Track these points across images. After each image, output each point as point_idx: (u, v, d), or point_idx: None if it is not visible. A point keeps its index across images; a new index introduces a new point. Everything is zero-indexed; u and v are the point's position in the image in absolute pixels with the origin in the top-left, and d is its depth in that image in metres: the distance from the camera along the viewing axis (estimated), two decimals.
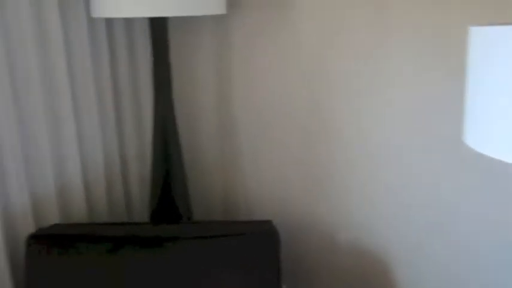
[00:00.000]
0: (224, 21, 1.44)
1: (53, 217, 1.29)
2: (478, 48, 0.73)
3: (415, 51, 1.18)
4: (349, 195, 1.39)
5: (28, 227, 1.23)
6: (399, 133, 1.26)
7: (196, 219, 1.62)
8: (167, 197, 1.35)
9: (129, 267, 1.04)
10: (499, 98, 0.69)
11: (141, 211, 1.61)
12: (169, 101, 1.28)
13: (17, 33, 1.16)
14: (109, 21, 1.41)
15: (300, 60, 1.35)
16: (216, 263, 1.11)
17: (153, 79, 1.27)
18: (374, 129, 1.29)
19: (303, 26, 1.32)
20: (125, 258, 1.04)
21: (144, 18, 1.46)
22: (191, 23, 1.50)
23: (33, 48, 1.18)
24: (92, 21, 1.34)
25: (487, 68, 0.71)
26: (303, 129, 1.41)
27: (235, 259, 1.12)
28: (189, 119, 1.60)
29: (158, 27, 1.23)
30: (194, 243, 1.09)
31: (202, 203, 1.67)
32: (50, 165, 1.26)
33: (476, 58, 0.74)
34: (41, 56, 1.22)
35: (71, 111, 1.29)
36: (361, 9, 1.22)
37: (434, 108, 1.20)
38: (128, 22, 1.46)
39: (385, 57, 1.23)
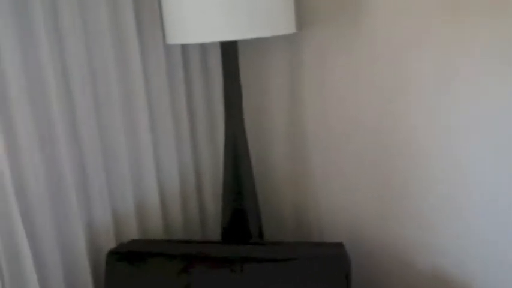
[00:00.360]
0: (294, 39, 1.44)
1: (132, 233, 1.37)
2: None
3: (498, 61, 1.09)
4: (425, 220, 1.30)
5: (109, 242, 1.31)
6: (486, 152, 1.16)
7: (266, 240, 1.61)
8: (238, 214, 1.36)
9: (199, 286, 1.06)
10: None
11: (215, 227, 1.64)
12: (239, 121, 1.30)
13: (100, 60, 1.25)
14: (184, 46, 1.47)
15: (374, 77, 1.31)
16: (286, 286, 1.09)
17: (224, 99, 1.30)
18: (458, 147, 1.21)
19: (375, 41, 1.27)
20: (196, 277, 1.07)
21: (217, 43, 1.51)
22: (261, 43, 1.52)
23: (114, 73, 1.26)
24: (168, 46, 1.41)
25: None
26: (377, 149, 1.35)
27: (305, 283, 1.09)
28: (260, 137, 1.62)
29: (229, 49, 1.26)
30: (264, 266, 1.09)
31: (273, 221, 1.66)
32: (129, 183, 1.33)
33: None
34: (121, 80, 1.30)
35: (149, 132, 1.36)
36: (440, 26, 1.16)
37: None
38: (202, 46, 1.52)
39: (466, 70, 1.14)
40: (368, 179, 1.39)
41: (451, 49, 1.16)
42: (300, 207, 1.58)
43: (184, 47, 1.47)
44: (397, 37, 1.23)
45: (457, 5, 1.12)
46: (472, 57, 1.13)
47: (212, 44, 1.52)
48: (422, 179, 1.28)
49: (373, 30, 1.27)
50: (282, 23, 1.16)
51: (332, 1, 1.32)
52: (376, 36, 1.27)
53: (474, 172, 1.19)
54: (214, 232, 1.65)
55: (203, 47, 1.52)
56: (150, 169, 1.39)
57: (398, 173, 1.32)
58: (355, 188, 1.43)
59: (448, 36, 1.15)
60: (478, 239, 1.22)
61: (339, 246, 1.20)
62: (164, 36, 1.37)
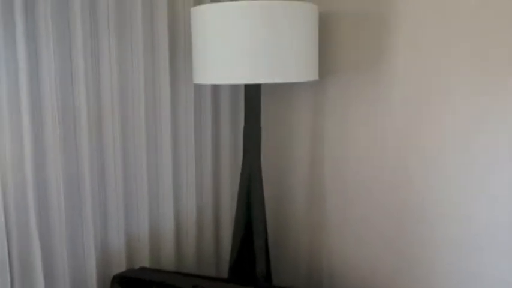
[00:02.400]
0: (317, 86, 1.47)
1: (143, 259, 1.40)
2: None
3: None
4: (438, 278, 1.24)
5: (120, 266, 1.35)
6: (502, 210, 1.11)
7: (274, 283, 1.59)
8: (247, 254, 1.36)
9: None
10: None
11: (228, 265, 1.64)
12: (256, 162, 1.33)
13: (132, 93, 1.34)
14: (215, 86, 1.54)
15: (393, 130, 1.30)
16: None
17: (244, 140, 1.33)
18: (473, 206, 1.16)
19: (395, 93, 1.28)
20: None
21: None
22: (286, 87, 1.57)
23: (143, 109, 1.34)
24: (199, 85, 1.49)
25: None
26: (393, 203, 1.32)
27: None
28: (278, 180, 1.63)
29: (252, 92, 1.31)
30: None
31: (285, 266, 1.64)
32: (146, 210, 1.38)
33: None
34: (150, 114, 1.38)
35: (171, 162, 1.41)
36: (454, 79, 1.15)
37: None
38: (233, 87, 1.58)
39: (481, 130, 1.12)
40: (384, 232, 1.35)
41: (471, 108, 1.14)
42: (312, 254, 1.55)
43: (215, 87, 1.54)
44: (415, 90, 1.23)
45: (477, 64, 1.11)
46: (489, 121, 1.10)
47: (241, 85, 1.59)
48: (437, 241, 1.24)
49: (392, 82, 1.28)
50: (305, 70, 1.20)
51: (354, 52, 1.35)
52: (395, 90, 1.27)
53: (491, 238, 1.13)
54: (226, 270, 1.64)
55: (234, 87, 1.59)
56: (169, 198, 1.43)
57: (414, 230, 1.28)
58: (369, 240, 1.39)
59: (469, 95, 1.14)
60: None
61: None
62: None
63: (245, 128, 1.33)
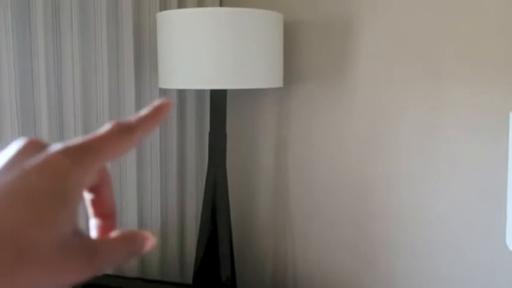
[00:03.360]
0: (282, 92, 1.50)
1: None
2: None
3: (469, 131, 1.12)
4: (400, 281, 1.28)
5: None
6: (457, 219, 1.16)
7: (239, 287, 1.59)
8: (211, 260, 1.36)
9: None
10: None
11: (192, 271, 1.63)
12: (221, 168, 1.34)
13: (95, 95, 1.32)
14: (181, 91, 1.54)
15: (355, 135, 1.34)
16: None
17: (209, 147, 1.34)
18: (430, 210, 1.21)
19: (356, 100, 1.32)
20: None
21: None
22: (251, 94, 1.58)
23: (107, 110, 1.32)
24: (164, 90, 1.48)
25: None
26: (358, 207, 1.36)
27: None
28: (243, 185, 1.64)
29: (217, 98, 1.32)
30: None
31: (250, 270, 1.65)
32: None
33: None
34: (113, 117, 1.36)
35: (135, 169, 1.40)
36: (415, 89, 1.20)
37: (494, 184, 1.09)
38: (198, 92, 1.58)
39: (438, 137, 1.17)
40: (347, 236, 1.39)
41: (431, 113, 1.19)
42: (277, 259, 1.57)
43: (181, 92, 1.54)
44: (377, 97, 1.28)
45: (437, 73, 1.17)
46: (451, 121, 1.16)
47: (207, 90, 1.59)
48: (397, 244, 1.28)
49: (355, 89, 1.32)
50: (270, 77, 1.22)
51: (319, 60, 1.39)
52: (358, 95, 1.32)
53: (455, 241, 1.19)
54: (191, 276, 1.64)
55: (199, 93, 1.59)
56: (132, 206, 1.41)
57: (377, 233, 1.32)
58: (333, 245, 1.42)
59: (428, 102, 1.19)
60: None
61: None
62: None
63: (210, 134, 1.33)
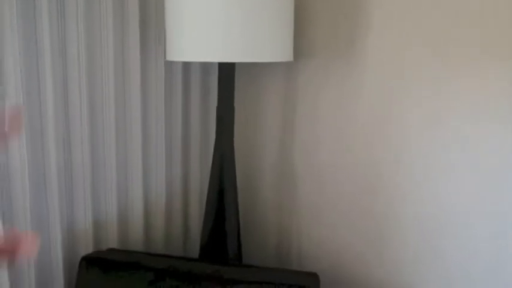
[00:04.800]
0: (290, 67, 1.47)
1: (111, 241, 1.37)
2: None
3: (480, 111, 1.11)
4: (403, 262, 1.29)
5: (87, 248, 1.31)
6: (462, 197, 1.16)
7: (244, 263, 1.60)
8: (218, 234, 1.36)
9: None
10: None
11: (197, 245, 1.64)
12: (229, 142, 1.32)
13: (100, 68, 1.28)
14: (186, 63, 1.51)
15: (362, 113, 1.33)
16: None
17: (217, 120, 1.32)
18: (435, 187, 1.21)
19: (366, 78, 1.30)
20: None
21: (215, 62, 1.54)
22: (258, 68, 1.56)
23: (113, 82, 1.29)
24: (170, 62, 1.45)
25: None
26: (364, 186, 1.36)
27: None
28: (249, 162, 1.63)
29: (226, 71, 1.29)
30: (232, 286, 1.08)
31: (255, 246, 1.65)
32: (114, 190, 1.34)
33: None
34: (119, 90, 1.33)
35: (140, 142, 1.38)
36: (428, 65, 1.18)
37: (500, 169, 1.09)
38: (203, 65, 1.55)
39: (447, 119, 1.16)
40: (352, 214, 1.39)
41: (439, 96, 1.18)
42: (282, 235, 1.57)
43: (185, 65, 1.51)
44: (387, 75, 1.26)
45: (446, 56, 1.15)
46: (460, 104, 1.15)
47: (213, 65, 1.56)
48: (403, 218, 1.28)
49: (365, 66, 1.30)
50: (280, 51, 1.19)
51: (329, 35, 1.36)
52: (367, 73, 1.29)
53: (461, 219, 1.19)
54: (196, 250, 1.64)
55: (205, 67, 1.56)
56: (138, 179, 1.40)
57: (383, 213, 1.32)
58: (338, 222, 1.42)
59: (437, 81, 1.18)
60: (459, 282, 1.21)
61: (314, 276, 1.19)
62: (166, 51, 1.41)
63: (218, 108, 1.31)
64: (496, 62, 1.09)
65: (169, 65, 1.45)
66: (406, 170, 1.26)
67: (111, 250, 1.27)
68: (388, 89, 1.26)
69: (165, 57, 1.41)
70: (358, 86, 1.32)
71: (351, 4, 1.30)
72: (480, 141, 1.13)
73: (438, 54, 1.17)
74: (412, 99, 1.22)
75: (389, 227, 1.32)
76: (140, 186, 1.40)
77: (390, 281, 1.33)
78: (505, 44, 1.07)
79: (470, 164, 1.15)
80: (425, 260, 1.26)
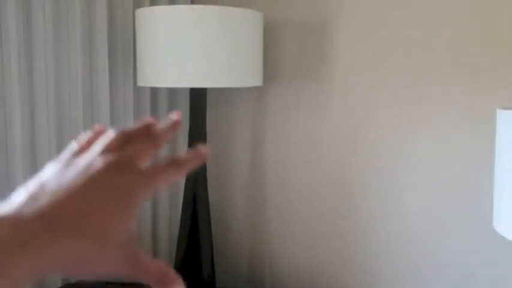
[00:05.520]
0: (260, 92, 1.51)
1: None
2: (506, 130, 0.73)
3: (442, 129, 1.19)
4: (377, 277, 1.34)
5: (56, 282, 1.26)
6: (427, 214, 1.23)
7: (218, 286, 1.59)
8: (192, 259, 1.35)
9: None
10: None
11: None
12: (202, 167, 1.33)
13: (68, 91, 1.26)
14: (154, 89, 1.51)
15: (330, 134, 1.38)
16: None
17: (189, 144, 1.32)
18: (409, 208, 1.27)
19: (335, 101, 1.36)
20: None
21: (185, 88, 1.56)
22: (229, 92, 1.59)
23: (81, 110, 1.27)
24: (138, 88, 1.44)
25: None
26: (333, 203, 1.40)
27: None
28: (220, 183, 1.64)
29: (197, 96, 1.30)
30: None
31: (228, 268, 1.65)
32: None
33: (503, 141, 0.74)
34: (87, 116, 1.31)
35: None
36: (391, 87, 1.26)
37: (462, 189, 1.17)
38: (171, 91, 1.56)
39: (412, 136, 1.23)
40: (323, 233, 1.43)
41: (408, 112, 1.25)
42: (254, 255, 1.58)
43: (153, 90, 1.51)
44: (353, 99, 1.32)
45: (415, 73, 1.23)
46: (427, 121, 1.23)
47: (182, 89, 1.57)
48: (376, 236, 1.33)
49: (332, 90, 1.36)
50: (250, 76, 1.22)
51: (297, 60, 1.41)
52: (334, 96, 1.36)
53: (429, 235, 1.25)
54: None
55: (172, 91, 1.56)
56: None
57: (354, 230, 1.37)
58: (310, 241, 1.45)
59: (405, 100, 1.25)
60: None
61: None
62: (135, 77, 1.40)
63: (190, 133, 1.32)
64: (464, 74, 1.18)
65: (138, 89, 1.45)
66: (373, 188, 1.32)
67: (81, 282, 1.22)
68: (356, 109, 1.33)
69: (135, 83, 1.41)
70: (326, 108, 1.38)
71: (318, 30, 1.37)
72: (443, 162, 1.21)
73: (406, 71, 1.25)
74: (380, 117, 1.29)
75: (360, 245, 1.36)
76: None
77: None
78: (466, 72, 1.16)
79: (433, 183, 1.22)
80: (398, 276, 1.31)
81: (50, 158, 1.22)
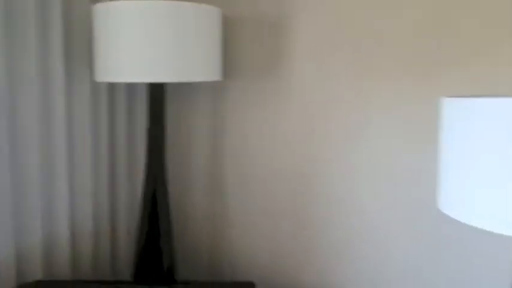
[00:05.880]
0: (219, 87, 1.53)
1: (36, 271, 1.29)
2: (450, 118, 0.80)
3: (396, 122, 1.26)
4: (336, 266, 1.40)
5: (10, 282, 1.22)
6: (379, 204, 1.30)
7: (179, 279, 1.60)
8: (152, 254, 1.36)
9: None
10: (470, 169, 0.74)
11: (125, 268, 1.60)
12: (161, 162, 1.33)
13: (22, 90, 1.23)
14: (111, 85, 1.49)
15: (288, 129, 1.42)
16: None
17: (147, 140, 1.32)
18: (360, 193, 1.33)
19: (293, 97, 1.40)
20: None
21: (144, 83, 1.55)
22: (188, 87, 1.59)
23: (36, 104, 1.24)
24: (95, 84, 1.42)
25: (457, 137, 0.77)
26: (292, 195, 1.44)
27: None
28: (180, 177, 1.64)
29: (156, 91, 1.30)
30: None
31: (188, 260, 1.66)
32: (38, 218, 1.28)
33: (448, 127, 0.80)
34: (42, 112, 1.28)
35: (66, 166, 1.33)
36: (346, 83, 1.31)
37: (413, 175, 1.25)
38: (129, 86, 1.54)
39: (367, 127, 1.30)
40: (283, 224, 1.47)
41: (362, 107, 1.31)
42: (214, 247, 1.61)
43: (111, 85, 1.49)
44: (311, 94, 1.37)
45: (368, 70, 1.29)
46: (379, 114, 1.29)
47: (139, 84, 1.56)
48: (334, 226, 1.39)
49: (290, 85, 1.40)
50: (208, 71, 1.24)
51: (256, 56, 1.44)
52: (292, 94, 1.40)
53: (378, 223, 1.32)
54: (125, 272, 1.60)
55: (130, 87, 1.55)
56: (63, 205, 1.34)
57: (311, 218, 1.42)
58: (268, 231, 1.49)
59: (359, 97, 1.31)
60: (379, 283, 1.34)
61: (250, 285, 1.24)
62: (91, 73, 1.38)
63: (149, 129, 1.32)
64: (414, 71, 1.25)
65: (94, 85, 1.43)
66: (329, 180, 1.37)
67: (39, 282, 1.20)
68: (312, 105, 1.37)
69: (91, 78, 1.38)
70: (284, 104, 1.42)
71: (276, 28, 1.40)
72: (396, 154, 1.28)
73: (359, 69, 1.30)
74: (336, 115, 1.34)
75: (318, 235, 1.41)
76: (66, 213, 1.35)
77: (322, 284, 1.43)
78: (414, 64, 1.23)
79: (387, 173, 1.29)
80: (350, 262, 1.37)
81: (2, 161, 1.18)
